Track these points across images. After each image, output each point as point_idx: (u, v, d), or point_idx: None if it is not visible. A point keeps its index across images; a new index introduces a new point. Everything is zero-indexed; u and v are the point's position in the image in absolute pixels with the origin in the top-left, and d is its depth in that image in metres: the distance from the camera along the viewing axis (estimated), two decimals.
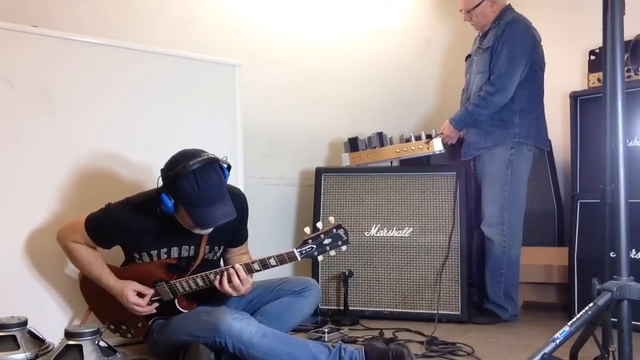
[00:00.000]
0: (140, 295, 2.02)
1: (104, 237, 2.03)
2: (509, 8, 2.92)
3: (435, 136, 2.90)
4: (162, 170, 1.91)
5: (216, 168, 1.88)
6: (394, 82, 3.79)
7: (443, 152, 2.91)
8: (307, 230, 1.98)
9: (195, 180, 1.82)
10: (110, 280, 2.03)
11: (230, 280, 1.96)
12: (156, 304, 2.05)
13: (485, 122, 2.83)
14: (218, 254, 2.19)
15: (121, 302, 2.02)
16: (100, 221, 2.00)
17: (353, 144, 3.17)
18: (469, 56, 3.09)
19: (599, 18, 1.67)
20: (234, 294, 1.99)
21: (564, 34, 3.77)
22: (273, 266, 1.97)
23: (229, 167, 1.95)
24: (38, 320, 1.98)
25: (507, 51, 2.75)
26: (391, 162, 3.12)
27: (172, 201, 1.86)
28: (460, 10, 3.00)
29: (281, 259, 1.95)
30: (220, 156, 1.93)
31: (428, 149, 2.91)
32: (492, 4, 2.88)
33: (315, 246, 1.95)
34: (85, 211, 2.06)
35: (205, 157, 1.86)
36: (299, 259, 1.95)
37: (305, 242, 1.95)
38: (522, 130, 2.81)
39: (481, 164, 2.90)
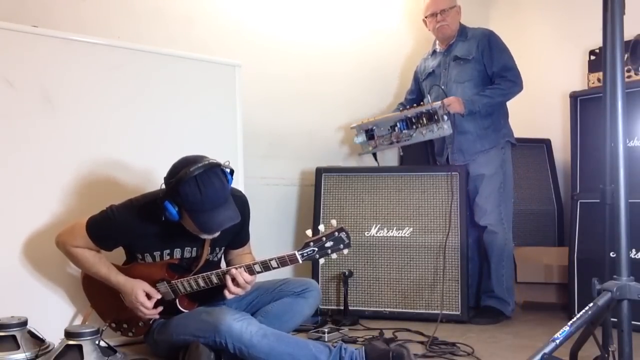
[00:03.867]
0: (148, 297, 2.02)
1: (106, 240, 2.03)
2: (463, 25, 3.11)
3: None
4: (164, 178, 1.91)
5: (218, 173, 1.88)
6: (395, 83, 3.79)
7: (439, 109, 2.83)
8: (309, 232, 1.98)
9: (197, 185, 1.82)
10: (119, 278, 2.02)
11: (234, 280, 1.97)
12: (160, 308, 2.05)
13: (477, 128, 2.96)
14: (219, 255, 2.20)
15: (128, 300, 2.02)
16: (102, 224, 2.00)
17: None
18: (430, 73, 3.14)
19: (598, 18, 1.66)
20: (240, 293, 2.00)
21: (564, 34, 3.78)
22: (274, 268, 1.97)
23: (231, 172, 1.95)
24: (38, 320, 1.99)
25: (507, 55, 2.98)
26: (399, 152, 3.13)
27: (176, 208, 1.87)
28: (424, 19, 3.10)
29: (282, 261, 1.95)
30: (222, 160, 1.93)
31: (429, 105, 2.89)
32: (457, 13, 3.09)
33: (316, 249, 1.95)
34: (86, 212, 2.06)
35: (207, 162, 1.86)
36: (300, 261, 1.95)
37: (306, 245, 1.95)
38: (508, 130, 3.07)
39: (476, 167, 2.99)
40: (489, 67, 2.95)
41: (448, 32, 3.05)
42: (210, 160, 1.89)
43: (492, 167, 2.95)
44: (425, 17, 3.11)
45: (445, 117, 2.85)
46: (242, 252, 2.27)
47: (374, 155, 3.23)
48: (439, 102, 2.86)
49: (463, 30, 3.07)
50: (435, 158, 3.24)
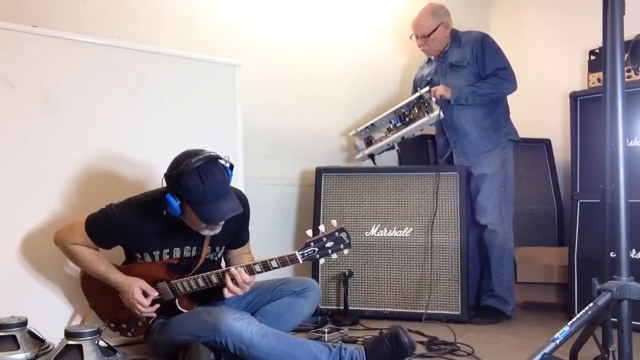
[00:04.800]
0: (145, 294, 2.02)
1: (105, 238, 2.03)
2: (456, 30, 3.07)
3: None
4: (165, 174, 1.91)
5: (219, 165, 1.89)
6: (395, 82, 3.80)
7: (427, 94, 2.94)
8: (309, 233, 1.98)
9: (199, 177, 1.82)
10: (117, 275, 2.02)
11: (233, 279, 1.97)
12: (157, 306, 2.05)
13: (477, 129, 2.97)
14: (219, 255, 2.20)
15: (125, 298, 2.02)
16: (102, 222, 2.00)
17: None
18: (429, 82, 3.11)
19: (599, 18, 1.67)
20: (239, 292, 2.00)
21: (564, 34, 3.78)
22: (274, 268, 1.98)
23: (231, 167, 1.95)
24: (38, 320, 1.98)
25: (499, 57, 2.96)
26: (394, 147, 3.16)
27: (178, 201, 1.87)
28: (411, 37, 3.09)
29: (283, 261, 1.95)
30: (222, 156, 1.94)
31: (417, 93, 3.01)
32: (445, 28, 3.03)
33: (317, 249, 1.95)
34: (85, 211, 2.06)
35: (207, 154, 1.88)
36: (301, 261, 1.95)
37: (307, 245, 1.96)
38: (509, 129, 3.05)
39: (478, 167, 3.00)
40: (482, 70, 2.95)
41: (432, 53, 3.08)
42: (211, 153, 1.90)
43: (494, 167, 2.96)
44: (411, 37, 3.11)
45: (434, 99, 2.91)
46: (241, 252, 2.27)
47: (372, 157, 3.24)
48: (426, 88, 2.95)
49: (456, 36, 3.04)
50: (438, 160, 3.24)
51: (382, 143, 3.17)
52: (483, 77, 2.95)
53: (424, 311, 2.78)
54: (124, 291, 2.01)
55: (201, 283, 2.02)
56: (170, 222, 1.96)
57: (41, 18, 2.47)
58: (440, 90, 2.92)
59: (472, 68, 2.96)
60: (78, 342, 1.81)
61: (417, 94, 3.00)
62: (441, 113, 2.90)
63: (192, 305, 2.09)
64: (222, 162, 1.92)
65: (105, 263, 2.04)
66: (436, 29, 2.99)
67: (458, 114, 2.97)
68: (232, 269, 1.98)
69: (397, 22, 3.81)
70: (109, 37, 2.52)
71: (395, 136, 3.10)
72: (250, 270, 1.98)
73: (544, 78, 3.87)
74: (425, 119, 2.97)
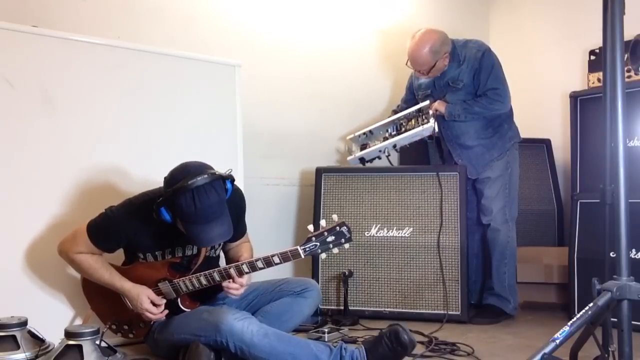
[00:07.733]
0: (153, 304, 2.02)
1: (107, 241, 2.03)
2: (453, 43, 2.97)
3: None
4: (164, 180, 1.91)
5: (216, 186, 1.86)
6: (395, 83, 3.80)
7: (426, 108, 2.96)
8: (311, 227, 1.98)
9: (192, 199, 1.81)
10: (124, 284, 2.02)
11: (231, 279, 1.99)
12: (166, 311, 2.05)
13: (480, 139, 2.96)
14: (218, 251, 2.20)
15: (133, 305, 2.03)
16: (103, 226, 1.99)
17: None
18: (428, 95, 3.09)
19: (599, 18, 1.67)
20: (239, 292, 2.01)
21: (564, 34, 3.78)
22: (277, 264, 1.98)
23: (232, 180, 1.94)
24: (38, 320, 1.98)
25: (493, 77, 2.89)
26: (385, 153, 3.14)
27: (171, 214, 1.88)
28: (407, 64, 3.03)
29: (285, 257, 1.96)
30: (222, 166, 1.93)
31: (419, 105, 3.03)
32: (444, 59, 2.94)
33: (318, 243, 1.95)
34: (85, 211, 2.06)
35: (207, 175, 1.84)
36: (303, 256, 1.95)
37: (308, 240, 1.96)
38: (513, 132, 3.06)
39: (483, 172, 3.01)
40: (477, 88, 2.92)
41: (432, 77, 3.03)
42: (212, 173, 1.87)
43: (498, 170, 2.97)
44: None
45: (430, 113, 2.93)
46: (240, 243, 2.27)
47: (362, 161, 3.22)
48: (427, 102, 2.97)
49: (454, 54, 2.94)
50: (444, 161, 3.22)
51: (373, 148, 3.16)
52: (478, 95, 2.92)
53: (437, 312, 2.80)
54: (132, 299, 2.02)
55: (203, 281, 2.02)
56: (169, 223, 1.96)
57: (41, 18, 2.47)
58: (436, 105, 2.96)
59: (469, 88, 2.93)
60: (78, 342, 1.81)
61: (417, 107, 3.01)
62: (435, 127, 2.91)
63: (195, 304, 2.09)
64: (223, 178, 1.90)
65: (109, 270, 2.04)
66: (435, 64, 2.93)
67: (460, 127, 2.97)
68: (233, 269, 1.99)
69: (399, 23, 3.81)
70: (109, 37, 2.52)
71: (387, 143, 3.09)
72: (253, 267, 1.98)
73: (544, 78, 3.88)
74: (419, 129, 2.97)
